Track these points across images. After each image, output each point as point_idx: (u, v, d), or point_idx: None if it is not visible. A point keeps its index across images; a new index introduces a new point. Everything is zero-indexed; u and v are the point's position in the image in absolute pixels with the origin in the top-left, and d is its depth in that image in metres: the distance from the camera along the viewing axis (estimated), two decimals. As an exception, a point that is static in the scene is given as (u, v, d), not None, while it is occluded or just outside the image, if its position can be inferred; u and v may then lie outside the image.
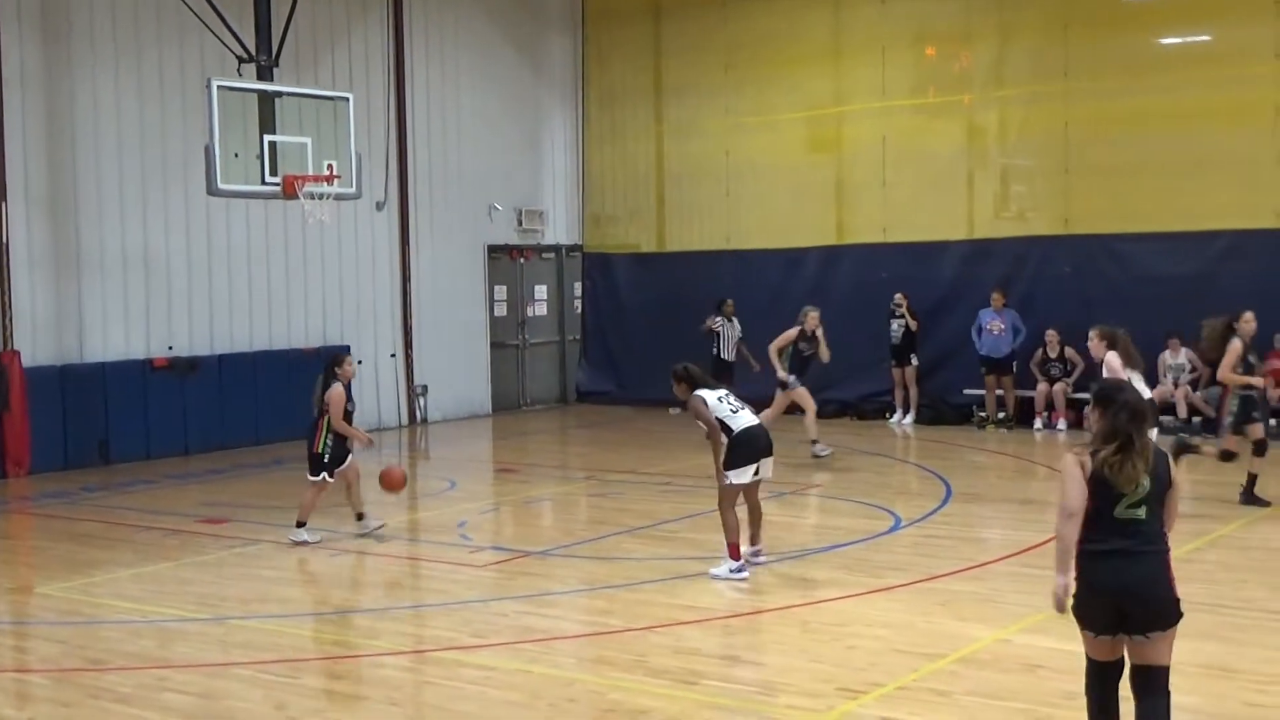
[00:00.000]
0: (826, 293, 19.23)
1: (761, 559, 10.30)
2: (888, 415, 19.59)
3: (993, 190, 19.63)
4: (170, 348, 17.40)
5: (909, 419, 19.33)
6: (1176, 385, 17.09)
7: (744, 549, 10.19)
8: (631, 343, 22.64)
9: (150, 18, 17.07)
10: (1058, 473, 5.69)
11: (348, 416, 11.61)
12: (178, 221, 17.45)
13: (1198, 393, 17.20)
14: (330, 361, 11.91)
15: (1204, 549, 10.42)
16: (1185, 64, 17.84)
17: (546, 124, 22.93)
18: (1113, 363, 11.49)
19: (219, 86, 13.61)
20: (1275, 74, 17.13)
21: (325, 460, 11.55)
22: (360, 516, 11.83)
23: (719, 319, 19.03)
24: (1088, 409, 5.83)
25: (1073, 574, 5.52)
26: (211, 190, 13.84)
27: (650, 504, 13.41)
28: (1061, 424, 17.97)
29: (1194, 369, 17.30)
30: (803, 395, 15.69)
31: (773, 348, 15.79)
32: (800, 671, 7.67)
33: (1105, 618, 5.50)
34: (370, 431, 14.79)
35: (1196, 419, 17.10)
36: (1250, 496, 12.28)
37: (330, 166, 14.31)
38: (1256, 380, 12.32)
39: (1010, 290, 18.70)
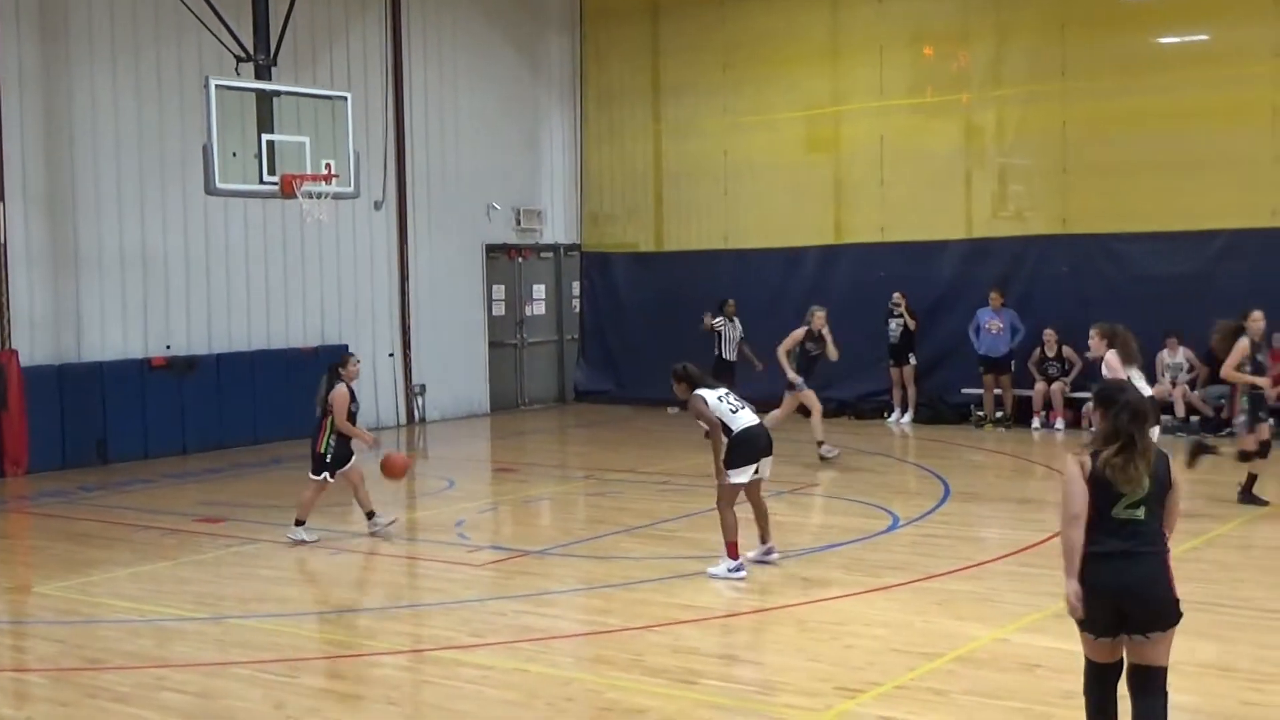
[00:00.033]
0: (825, 292, 19.20)
1: (774, 555, 10.32)
2: (886, 414, 19.59)
3: (990, 190, 19.63)
4: (168, 347, 17.40)
5: (907, 418, 19.34)
6: (1175, 384, 17.10)
7: (756, 548, 10.25)
8: (630, 342, 22.65)
9: (148, 16, 17.07)
10: (1056, 472, 5.70)
11: (351, 417, 11.61)
12: (176, 221, 17.45)
13: (1196, 392, 17.22)
14: (334, 361, 11.92)
15: (1201, 548, 10.42)
16: (1183, 64, 17.85)
17: (545, 123, 22.93)
18: (1112, 361, 11.49)
19: (217, 86, 13.61)
20: (1273, 73, 17.14)
21: (327, 460, 11.55)
22: (371, 515, 11.83)
23: (720, 319, 19.03)
24: (1086, 407, 5.84)
25: (1075, 575, 5.49)
26: (209, 189, 13.84)
27: (648, 503, 13.41)
28: (1059, 423, 17.98)
29: (1192, 368, 17.32)
30: (809, 397, 15.66)
31: (781, 350, 15.72)
32: (798, 670, 7.67)
33: (1105, 619, 5.49)
34: (369, 431, 14.76)
35: (1194, 418, 17.12)
36: (1249, 495, 12.28)
37: (328, 166, 14.32)
38: (1262, 380, 12.21)
39: (1008, 289, 18.71)
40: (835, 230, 20.66)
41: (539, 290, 22.95)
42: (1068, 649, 6.44)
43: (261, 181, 13.96)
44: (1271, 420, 12.75)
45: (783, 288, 20.54)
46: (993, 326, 18.48)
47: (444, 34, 21.01)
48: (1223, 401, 17.06)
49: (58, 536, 12.44)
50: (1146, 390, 11.47)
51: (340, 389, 11.53)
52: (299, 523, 11.57)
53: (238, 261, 18.18)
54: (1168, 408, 16.68)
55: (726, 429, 9.92)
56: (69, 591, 10.05)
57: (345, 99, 14.88)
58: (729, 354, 18.97)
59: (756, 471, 10.01)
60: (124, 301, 17.02)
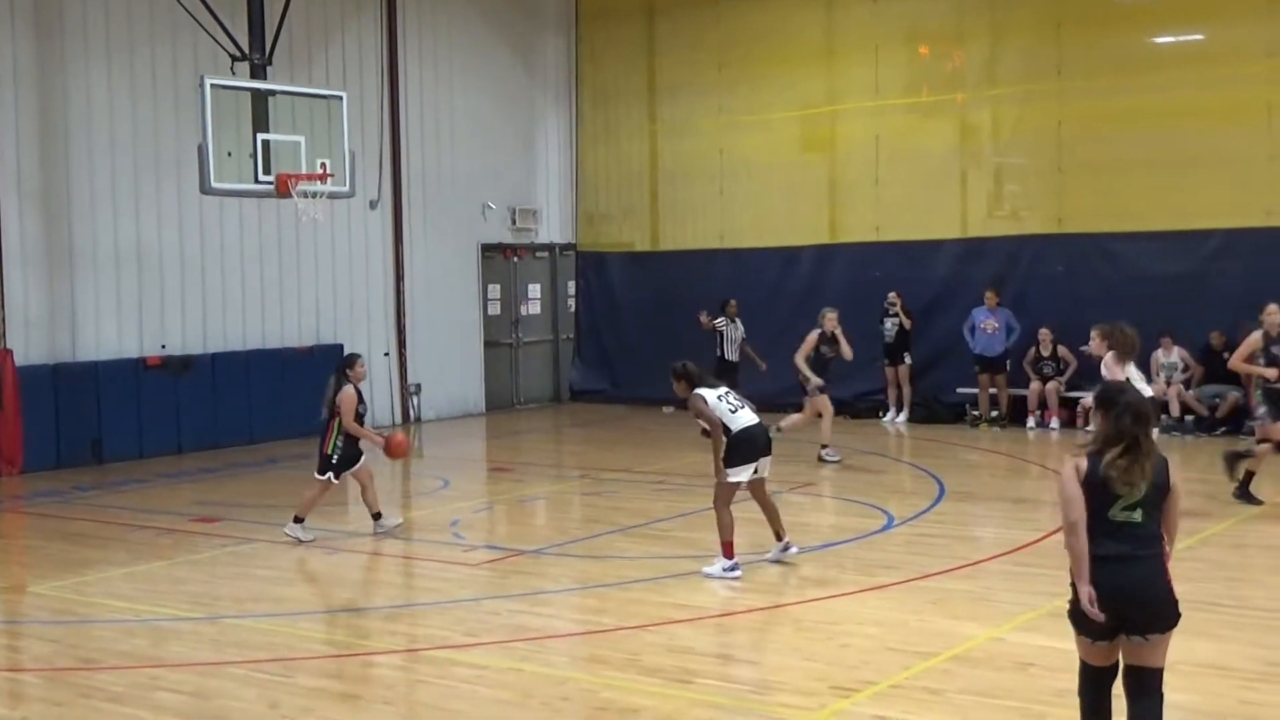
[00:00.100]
0: (820, 291, 19.23)
1: (794, 550, 10.33)
2: (881, 414, 19.60)
3: (986, 189, 19.64)
4: (163, 346, 17.38)
5: (902, 417, 19.35)
6: (1169, 384, 17.11)
7: (773, 547, 10.27)
8: (625, 341, 22.65)
9: (143, 14, 17.05)
10: (1051, 472, 5.70)
11: (360, 419, 11.61)
12: (171, 219, 17.43)
13: (1190, 391, 17.24)
14: (342, 363, 11.91)
15: (1196, 547, 10.43)
16: (1178, 63, 17.87)
17: (540, 123, 22.92)
18: (1110, 362, 11.49)
19: (212, 85, 13.58)
20: (1267, 73, 17.16)
21: (334, 461, 11.55)
22: (378, 516, 11.83)
23: (722, 319, 19.01)
24: (1084, 402, 5.84)
25: (1086, 579, 5.44)
26: (204, 189, 13.82)
27: (644, 503, 13.41)
28: (1054, 422, 17.99)
29: (1186, 368, 17.33)
30: (822, 400, 15.65)
31: (798, 356, 15.56)
32: (793, 670, 7.67)
33: (1103, 623, 5.46)
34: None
35: (1189, 417, 17.14)
36: (1245, 492, 12.29)
37: (324, 165, 14.29)
38: (1269, 371, 12.06)
39: (1003, 289, 18.71)
40: (830, 230, 20.67)
41: (534, 290, 22.94)
42: (1062, 648, 6.44)
43: (257, 181, 13.95)
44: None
45: (778, 287, 20.54)
46: (988, 326, 18.49)
47: (439, 34, 21.00)
48: (1217, 401, 17.09)
49: (52, 536, 12.43)
50: (1147, 391, 11.47)
51: (348, 390, 11.53)
52: (298, 520, 11.56)
53: (233, 261, 18.16)
54: (1163, 407, 16.70)
55: (726, 428, 9.91)
56: (64, 591, 10.03)
57: (340, 98, 14.86)
58: (731, 354, 18.93)
59: (756, 471, 10.01)
60: (119, 300, 17.01)
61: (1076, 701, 5.76)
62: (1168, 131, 17.61)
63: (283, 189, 13.96)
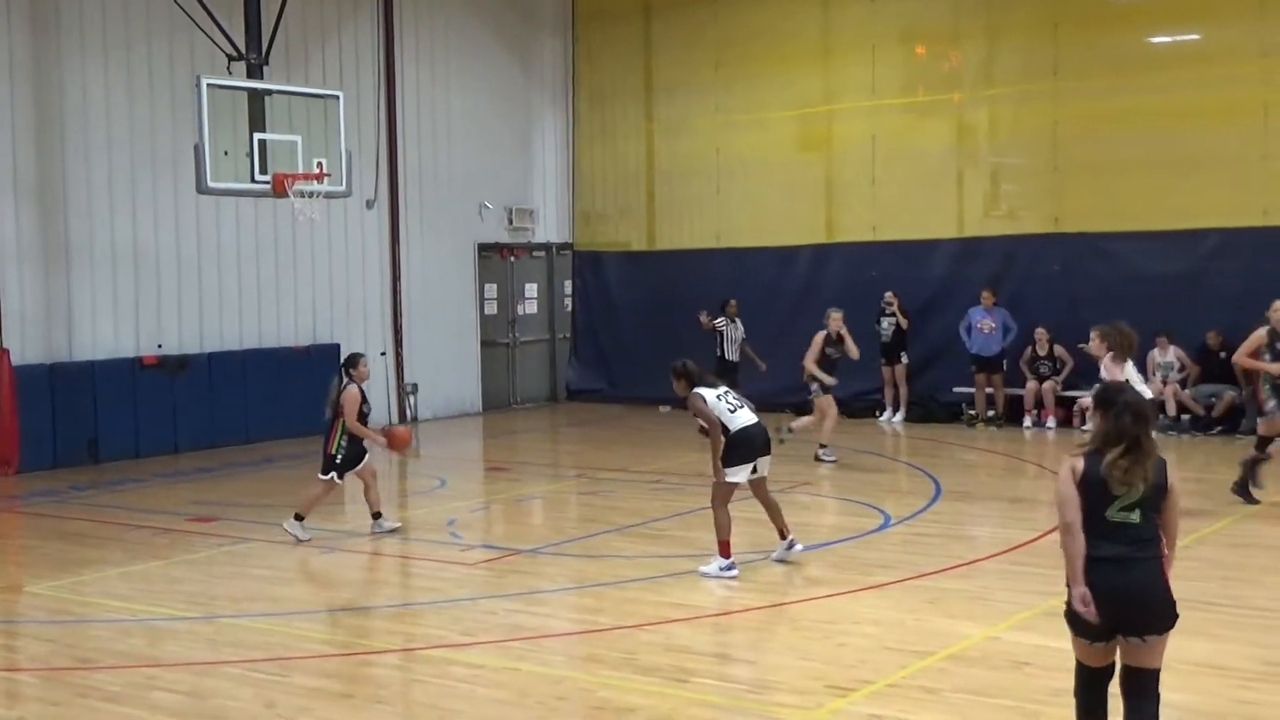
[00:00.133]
0: (817, 291, 19.25)
1: (799, 547, 10.34)
2: (877, 413, 19.61)
3: (982, 189, 19.65)
4: (160, 345, 17.37)
5: (899, 417, 19.36)
6: (1165, 383, 17.12)
7: (778, 546, 10.27)
8: (622, 341, 22.65)
9: (140, 12, 17.03)
10: (1048, 471, 5.70)
11: (363, 418, 11.60)
12: (167, 218, 17.41)
13: (1186, 390, 17.26)
14: (345, 363, 11.91)
15: (1193, 546, 10.43)
16: (1174, 63, 17.89)
17: (537, 123, 22.92)
18: (1108, 363, 11.49)
19: (208, 84, 13.58)
20: (1263, 73, 17.18)
21: (337, 461, 11.55)
22: (377, 516, 11.83)
23: (723, 319, 19.01)
24: (1081, 401, 5.83)
25: (1080, 580, 5.43)
26: (201, 188, 13.82)
27: (640, 502, 13.42)
28: (1051, 422, 18.00)
29: (1183, 367, 17.35)
30: (826, 400, 15.63)
31: (808, 361, 15.48)
32: (790, 669, 7.68)
33: (1101, 624, 5.45)
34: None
35: (1185, 417, 17.15)
36: (1243, 489, 12.29)
37: (320, 165, 14.29)
38: (1273, 367, 12.05)
39: (1000, 288, 18.72)
40: (827, 229, 20.67)
41: (531, 289, 22.94)
42: (1058, 647, 6.45)
43: (253, 180, 13.95)
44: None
45: (775, 287, 20.55)
46: (984, 325, 18.50)
47: (436, 33, 21.00)
48: (1213, 400, 17.11)
49: (49, 536, 12.42)
50: (1146, 391, 11.47)
51: (351, 390, 11.53)
52: (299, 517, 11.56)
53: (229, 260, 18.15)
54: (1160, 407, 16.72)
55: (724, 428, 9.91)
56: (60, 591, 10.03)
57: (337, 98, 14.86)
58: (732, 354, 18.92)
59: (754, 470, 10.02)
60: (115, 300, 16.99)
61: (1072, 701, 5.76)
62: (1164, 131, 17.63)
63: (279, 188, 13.96)
